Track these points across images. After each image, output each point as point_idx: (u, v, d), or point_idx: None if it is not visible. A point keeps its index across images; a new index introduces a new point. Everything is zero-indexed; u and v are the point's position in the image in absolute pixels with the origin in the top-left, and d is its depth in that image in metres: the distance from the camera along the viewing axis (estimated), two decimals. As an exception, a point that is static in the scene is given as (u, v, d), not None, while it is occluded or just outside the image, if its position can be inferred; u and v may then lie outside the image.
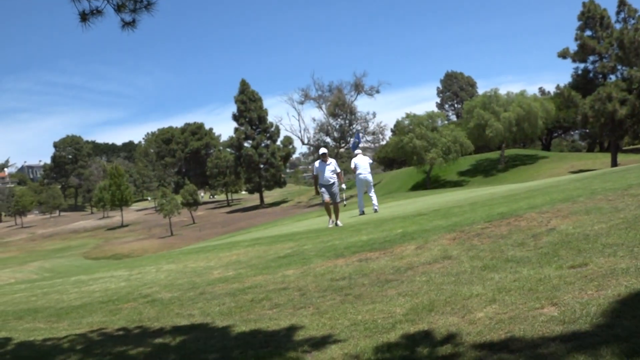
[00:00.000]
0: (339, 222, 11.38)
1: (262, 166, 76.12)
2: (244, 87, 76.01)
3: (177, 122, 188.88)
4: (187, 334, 4.12)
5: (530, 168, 49.75)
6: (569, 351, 2.44)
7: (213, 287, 5.84)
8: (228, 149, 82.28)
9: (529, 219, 5.75)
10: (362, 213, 13.73)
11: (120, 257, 48.33)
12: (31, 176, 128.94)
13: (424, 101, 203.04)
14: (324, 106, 69.67)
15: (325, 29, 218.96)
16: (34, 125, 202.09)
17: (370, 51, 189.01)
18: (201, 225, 65.87)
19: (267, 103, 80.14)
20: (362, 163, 13.70)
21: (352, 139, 58.00)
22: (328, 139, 69.37)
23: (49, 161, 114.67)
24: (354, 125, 69.51)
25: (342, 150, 67.23)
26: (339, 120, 69.73)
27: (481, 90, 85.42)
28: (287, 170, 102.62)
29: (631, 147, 62.47)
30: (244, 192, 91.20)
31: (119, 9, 4.54)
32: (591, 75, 45.30)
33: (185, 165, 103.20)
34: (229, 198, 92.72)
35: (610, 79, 44.31)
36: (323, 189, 11.53)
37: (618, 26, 42.97)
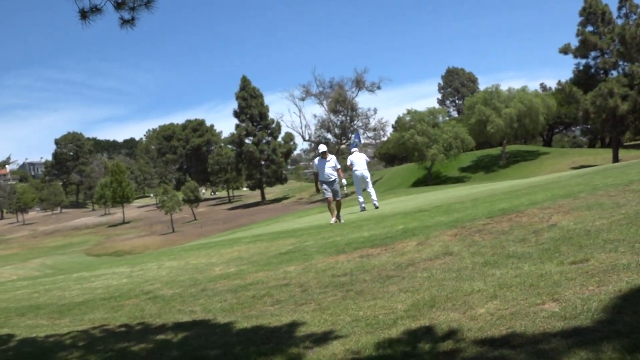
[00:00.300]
0: (341, 218, 11.40)
1: (263, 163, 76.13)
2: (245, 83, 75.95)
3: (178, 119, 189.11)
4: (189, 331, 4.13)
5: (531, 164, 49.69)
6: (570, 347, 2.44)
7: (215, 284, 5.85)
8: (229, 146, 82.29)
9: (530, 215, 5.74)
10: (363, 209, 13.74)
11: (122, 253, 48.47)
12: (32, 173, 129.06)
13: (425, 97, 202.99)
14: (325, 102, 69.72)
15: (326, 25, 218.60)
16: (35, 122, 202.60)
17: (372, 47, 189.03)
18: (202, 222, 65.94)
19: (268, 99, 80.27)
20: (358, 160, 13.78)
21: (352, 135, 57.94)
22: (329, 135, 69.43)
23: (50, 158, 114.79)
24: (355, 122, 69.52)
25: (343, 146, 67.19)
26: (340, 116, 69.76)
27: (482, 86, 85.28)
28: (288, 167, 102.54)
29: (633, 142, 62.41)
30: (245, 189, 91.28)
31: (118, 6, 4.54)
32: (592, 71, 45.17)
33: (186, 161, 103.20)
34: (230, 195, 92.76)
35: (612, 74, 44.17)
36: (324, 186, 11.54)
37: (620, 22, 42.82)
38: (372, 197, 13.94)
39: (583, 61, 45.35)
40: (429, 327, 3.12)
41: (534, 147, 62.32)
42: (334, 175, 11.56)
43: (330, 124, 69.48)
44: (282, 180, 79.94)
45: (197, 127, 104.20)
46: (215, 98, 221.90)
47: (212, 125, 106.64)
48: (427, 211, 8.85)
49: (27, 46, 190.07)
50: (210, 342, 3.69)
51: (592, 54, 44.65)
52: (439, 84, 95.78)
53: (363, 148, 70.68)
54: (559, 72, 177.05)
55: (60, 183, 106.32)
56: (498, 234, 5.26)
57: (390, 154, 72.52)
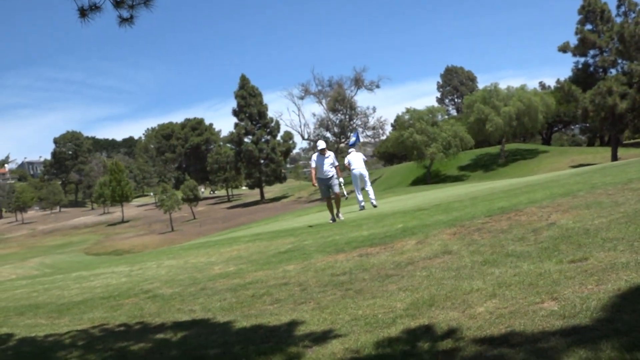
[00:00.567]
0: (340, 215, 11.41)
1: (262, 161, 76.13)
2: (244, 82, 75.92)
3: (177, 118, 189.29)
4: (189, 330, 4.12)
5: (530, 162, 49.73)
6: (569, 345, 2.44)
7: (214, 283, 5.85)
8: (228, 145, 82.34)
9: (529, 214, 5.75)
10: (362, 208, 13.75)
11: (121, 252, 48.46)
12: (31, 172, 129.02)
13: (424, 96, 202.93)
14: (324, 101, 69.66)
15: (325, 24, 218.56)
16: (34, 121, 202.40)
17: (371, 46, 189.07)
18: (202, 221, 65.92)
19: (267, 98, 79.87)
20: (355, 159, 13.85)
21: (352, 134, 57.94)
22: (328, 134, 69.37)
23: (49, 157, 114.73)
24: (354, 120, 69.50)
25: (342, 145, 67.17)
26: (339, 115, 69.70)
27: (481, 84, 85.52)
28: (288, 166, 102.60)
29: (631, 141, 62.47)
30: (244, 188, 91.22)
31: (117, 4, 4.52)
32: (591, 69, 45.19)
33: (185, 160, 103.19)
34: (230, 193, 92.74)
35: (611, 73, 44.22)
36: (322, 187, 11.62)
37: (618, 20, 42.85)
38: (370, 196, 13.96)
39: (582, 59, 45.45)
40: (428, 326, 3.13)
41: (533, 145, 62.33)
42: (331, 172, 11.62)
43: (329, 122, 69.46)
44: (281, 179, 79.96)
45: (196, 126, 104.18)
46: (214, 97, 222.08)
47: (211, 124, 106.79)
48: (426, 210, 8.85)
49: (27, 46, 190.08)
50: (210, 341, 3.69)
51: (591, 52, 44.68)
52: (438, 82, 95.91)
53: (362, 147, 70.86)
54: (558, 70, 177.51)
55: (59, 182, 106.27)
56: (497, 233, 5.26)
57: (389, 153, 72.58)
